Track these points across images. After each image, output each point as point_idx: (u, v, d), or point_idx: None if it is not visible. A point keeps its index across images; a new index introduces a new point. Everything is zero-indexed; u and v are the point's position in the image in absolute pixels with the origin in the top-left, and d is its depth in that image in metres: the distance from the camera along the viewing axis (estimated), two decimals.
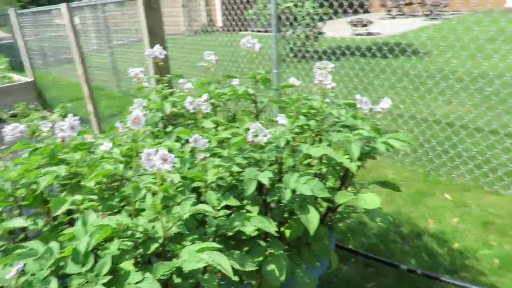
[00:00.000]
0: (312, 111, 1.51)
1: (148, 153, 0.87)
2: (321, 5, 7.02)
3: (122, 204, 1.19)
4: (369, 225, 2.46)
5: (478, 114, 3.69)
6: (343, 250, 2.18)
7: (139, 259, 1.06)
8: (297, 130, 1.45)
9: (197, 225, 1.12)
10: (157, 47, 1.92)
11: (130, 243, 0.93)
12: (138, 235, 0.93)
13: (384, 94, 1.59)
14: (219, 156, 1.30)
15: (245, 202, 1.29)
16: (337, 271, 2.10)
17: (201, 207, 0.93)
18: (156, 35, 2.80)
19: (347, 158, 1.33)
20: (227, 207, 1.15)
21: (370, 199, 1.25)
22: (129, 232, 0.93)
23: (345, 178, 1.48)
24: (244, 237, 1.21)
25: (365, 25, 10.41)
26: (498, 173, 2.88)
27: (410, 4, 14.12)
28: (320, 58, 4.41)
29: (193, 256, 0.82)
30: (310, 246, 1.43)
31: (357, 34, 10.30)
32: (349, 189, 1.51)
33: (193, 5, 10.56)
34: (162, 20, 2.94)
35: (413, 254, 2.22)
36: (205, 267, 1.01)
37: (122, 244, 0.93)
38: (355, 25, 10.52)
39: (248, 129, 1.26)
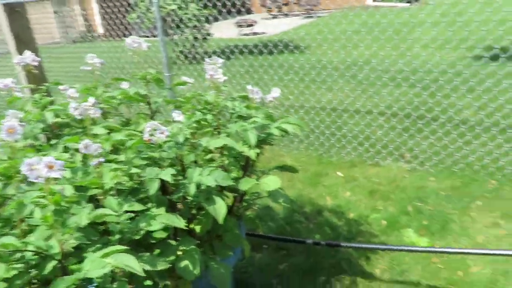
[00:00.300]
0: (208, 106, 1.53)
1: (30, 163, 0.79)
2: (205, 6, 7.10)
3: (4, 231, 1.05)
4: (275, 209, 2.59)
5: (355, 98, 4.17)
6: (254, 237, 2.25)
7: (36, 284, 0.95)
8: (195, 125, 1.46)
9: (99, 236, 1.05)
10: (29, 53, 1.74)
11: (20, 265, 0.83)
12: (29, 256, 0.83)
13: (275, 87, 1.70)
14: (116, 162, 1.24)
15: (150, 205, 1.25)
16: (251, 259, 2.17)
17: (100, 211, 0.88)
18: (24, 43, 2.52)
19: (246, 147, 1.39)
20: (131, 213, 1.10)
21: (271, 181, 1.32)
22: (18, 255, 0.83)
23: (247, 167, 1.54)
24: (153, 241, 1.17)
25: (250, 25, 10.86)
26: (377, 147, 3.29)
27: (287, 4, 15.22)
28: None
29: (97, 263, 0.76)
30: (221, 238, 1.45)
31: (243, 34, 10.67)
32: (252, 177, 1.57)
33: (67, 10, 9.68)
34: (30, 26, 2.65)
35: (317, 230, 2.42)
36: (113, 278, 0.96)
37: (10, 270, 0.82)
38: (241, 26, 10.89)
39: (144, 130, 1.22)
